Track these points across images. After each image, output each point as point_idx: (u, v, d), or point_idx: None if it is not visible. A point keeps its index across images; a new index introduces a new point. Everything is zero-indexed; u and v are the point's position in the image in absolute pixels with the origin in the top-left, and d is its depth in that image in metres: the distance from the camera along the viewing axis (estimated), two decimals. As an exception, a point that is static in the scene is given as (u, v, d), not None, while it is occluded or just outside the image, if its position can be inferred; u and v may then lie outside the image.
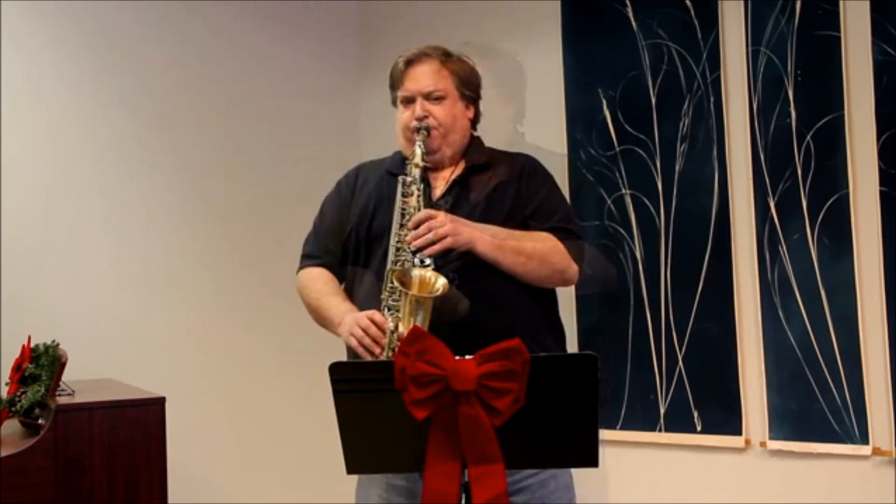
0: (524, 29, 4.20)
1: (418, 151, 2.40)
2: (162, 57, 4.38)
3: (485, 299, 2.31)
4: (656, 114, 3.77)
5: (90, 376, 3.68)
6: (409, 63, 2.51)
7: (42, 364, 3.22)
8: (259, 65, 4.66)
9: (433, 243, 2.25)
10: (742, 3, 3.55)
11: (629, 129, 3.84)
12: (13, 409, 3.18)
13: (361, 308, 2.40)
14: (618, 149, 3.87)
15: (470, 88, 2.52)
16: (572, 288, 3.90)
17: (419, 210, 2.32)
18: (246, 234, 4.56)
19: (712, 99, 3.63)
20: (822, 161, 3.38)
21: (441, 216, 2.30)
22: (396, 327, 2.24)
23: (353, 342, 2.31)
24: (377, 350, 2.26)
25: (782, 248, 3.47)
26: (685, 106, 3.70)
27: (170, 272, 4.34)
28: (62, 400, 3.11)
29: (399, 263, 2.30)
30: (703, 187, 3.66)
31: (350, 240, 2.50)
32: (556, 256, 2.38)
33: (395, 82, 2.55)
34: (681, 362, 3.69)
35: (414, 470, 2.04)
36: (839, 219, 3.33)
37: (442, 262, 2.29)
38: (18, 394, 3.19)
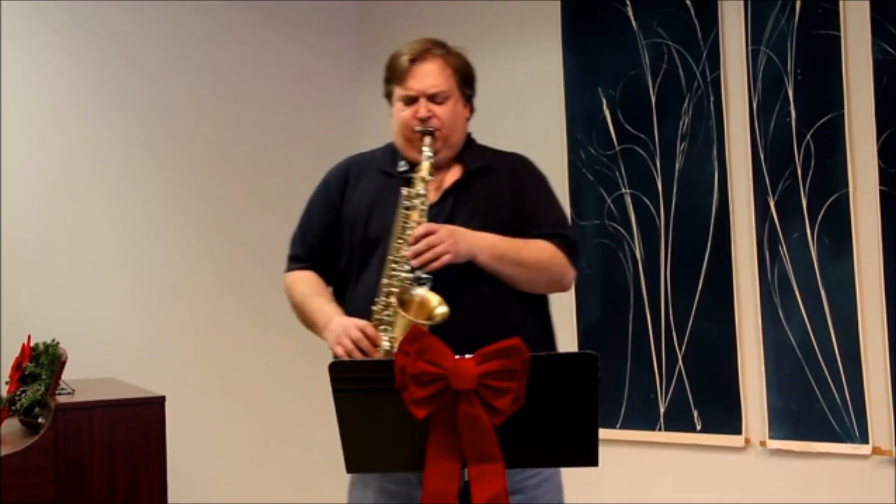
0: (524, 29, 4.20)
1: (426, 165, 2.30)
2: (162, 55, 4.38)
3: (478, 308, 2.27)
4: (656, 113, 3.77)
5: (90, 376, 3.68)
6: (413, 61, 2.41)
7: (42, 363, 3.22)
8: (259, 61, 4.66)
9: (432, 260, 2.20)
10: (742, 2, 3.55)
11: (629, 128, 3.84)
12: (13, 407, 3.18)
13: (351, 315, 2.31)
14: (618, 148, 3.87)
15: (469, 86, 2.45)
16: (573, 287, 3.91)
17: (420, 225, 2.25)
18: (245, 232, 4.56)
19: (712, 98, 3.63)
20: (822, 160, 3.38)
21: (441, 231, 2.22)
22: (391, 348, 2.15)
23: (340, 351, 2.22)
24: None
25: (782, 247, 3.47)
26: (685, 105, 3.70)
27: (169, 271, 4.34)
28: (62, 399, 3.10)
29: (395, 278, 2.22)
30: (702, 187, 3.66)
31: (343, 242, 2.41)
32: (555, 265, 2.33)
33: (396, 78, 2.45)
34: (681, 362, 3.69)
35: (414, 469, 2.03)
36: (839, 218, 3.34)
37: (440, 274, 2.24)
38: (18, 393, 3.19)
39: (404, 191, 2.30)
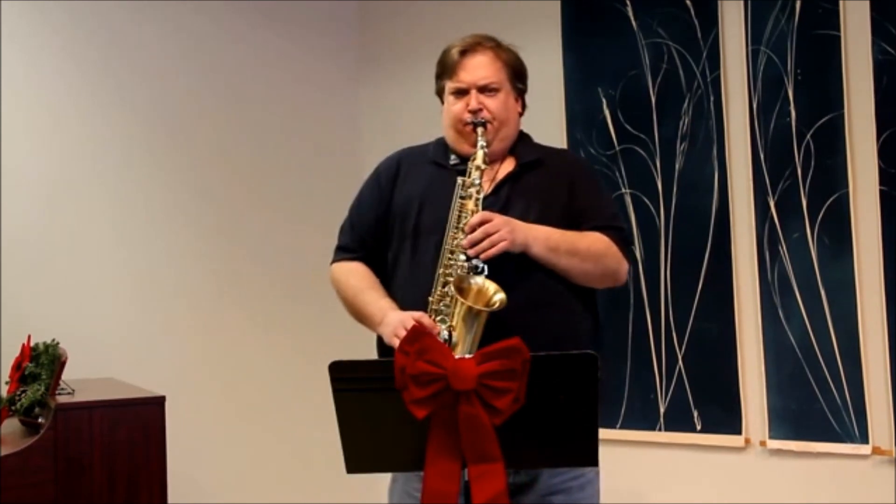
0: (524, 29, 4.19)
1: (480, 153, 2.28)
2: (162, 54, 4.38)
3: (533, 300, 2.25)
4: (656, 113, 3.77)
5: (90, 376, 3.68)
6: (464, 53, 2.38)
7: (42, 363, 3.22)
8: (259, 61, 4.66)
9: (489, 248, 2.20)
10: (742, 2, 3.55)
11: (629, 128, 3.84)
12: (13, 407, 3.18)
13: (404, 307, 2.31)
14: (618, 148, 3.87)
15: (521, 80, 2.44)
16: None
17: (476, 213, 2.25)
18: (245, 232, 4.56)
19: (712, 98, 3.63)
20: (822, 160, 3.38)
21: (497, 219, 2.23)
22: (450, 335, 2.15)
23: (398, 344, 2.15)
24: None
25: (782, 247, 3.47)
26: (685, 105, 3.70)
27: (169, 271, 4.34)
28: (62, 399, 3.10)
29: (452, 267, 2.22)
30: (702, 187, 3.66)
31: (393, 233, 2.41)
32: (610, 257, 2.34)
33: (447, 72, 2.40)
34: (681, 362, 3.69)
35: (414, 469, 2.04)
36: (839, 218, 3.34)
37: (496, 264, 2.23)
38: (18, 393, 3.19)
39: (459, 180, 2.30)
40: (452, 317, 2.19)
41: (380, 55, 4.82)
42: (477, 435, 1.93)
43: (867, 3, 3.25)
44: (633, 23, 3.82)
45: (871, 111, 3.26)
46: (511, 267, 2.26)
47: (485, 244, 2.21)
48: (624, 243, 2.38)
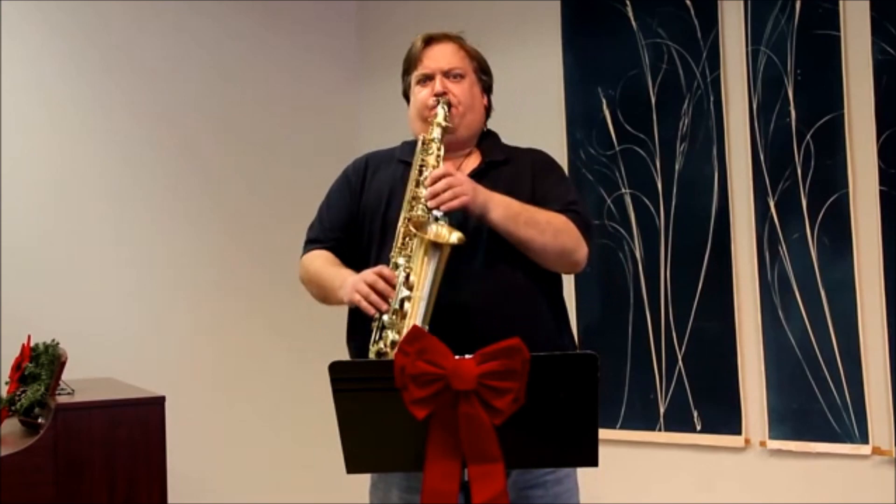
0: (524, 29, 4.20)
1: (441, 112, 2.31)
2: (162, 54, 4.38)
3: (498, 293, 2.26)
4: (656, 113, 3.77)
5: (90, 376, 3.68)
6: (428, 43, 2.42)
7: (42, 363, 3.22)
8: (259, 61, 4.66)
9: (451, 200, 2.19)
10: (742, 2, 3.55)
11: (629, 128, 3.84)
12: (13, 408, 3.18)
13: None
14: (617, 148, 3.87)
15: (486, 74, 2.46)
16: (573, 287, 3.91)
17: (437, 167, 2.25)
18: (245, 232, 4.56)
19: (712, 98, 3.63)
20: (822, 160, 3.38)
21: (459, 175, 2.23)
22: (408, 277, 2.15)
23: (357, 298, 2.18)
24: (384, 306, 2.15)
25: (782, 247, 3.47)
26: (685, 105, 3.70)
27: (170, 271, 4.34)
28: (62, 399, 3.10)
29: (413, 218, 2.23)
30: (702, 187, 3.66)
31: (363, 229, 2.41)
32: (568, 234, 2.32)
33: (412, 63, 2.43)
34: (680, 361, 3.69)
35: (414, 469, 2.04)
36: (839, 218, 3.34)
37: (462, 252, 2.22)
38: (18, 393, 3.19)
39: (420, 136, 2.31)
40: (411, 259, 2.19)
41: (380, 54, 4.82)
42: (477, 435, 1.93)
43: (867, 3, 3.25)
44: (633, 23, 3.82)
45: (871, 111, 3.26)
46: (479, 260, 2.27)
47: (447, 195, 2.19)
48: (584, 226, 2.36)
